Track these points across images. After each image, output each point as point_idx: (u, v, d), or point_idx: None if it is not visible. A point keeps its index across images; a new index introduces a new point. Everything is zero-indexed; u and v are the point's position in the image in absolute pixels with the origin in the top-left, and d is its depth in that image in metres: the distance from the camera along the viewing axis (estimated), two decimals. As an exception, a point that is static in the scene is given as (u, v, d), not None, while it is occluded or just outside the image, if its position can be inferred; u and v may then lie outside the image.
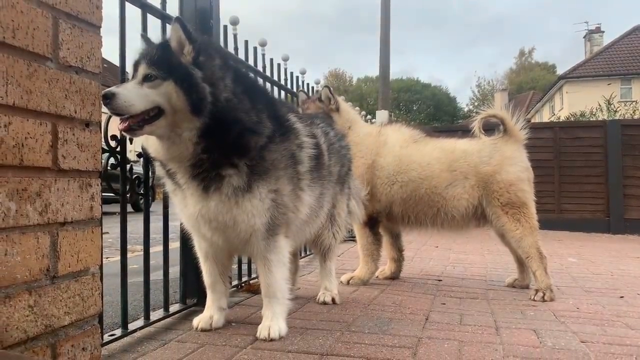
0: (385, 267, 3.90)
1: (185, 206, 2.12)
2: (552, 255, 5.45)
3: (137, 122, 1.85)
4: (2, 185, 1.10)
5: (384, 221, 3.71)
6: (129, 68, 2.05)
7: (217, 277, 2.35)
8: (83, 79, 1.33)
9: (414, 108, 67.22)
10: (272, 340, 2.14)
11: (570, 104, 27.45)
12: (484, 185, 3.45)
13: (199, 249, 2.34)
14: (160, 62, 1.89)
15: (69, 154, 1.28)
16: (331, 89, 3.82)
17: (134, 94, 1.82)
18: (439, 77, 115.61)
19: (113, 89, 1.79)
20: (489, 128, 3.67)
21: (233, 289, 3.11)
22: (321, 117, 3.28)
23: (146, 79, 1.87)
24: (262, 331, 2.17)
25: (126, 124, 1.84)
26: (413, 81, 69.11)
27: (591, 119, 16.30)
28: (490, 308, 2.93)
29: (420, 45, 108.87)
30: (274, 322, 2.20)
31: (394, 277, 3.86)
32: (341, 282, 3.58)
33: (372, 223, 3.67)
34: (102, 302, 1.96)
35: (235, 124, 1.98)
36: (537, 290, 3.25)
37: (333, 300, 2.90)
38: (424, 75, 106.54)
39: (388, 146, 3.65)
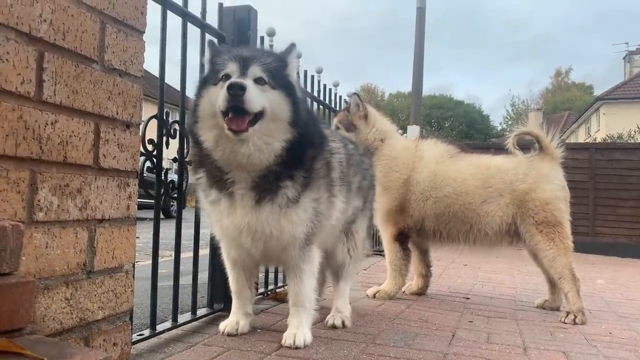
0: (412, 282, 3.85)
1: (227, 216, 2.03)
2: (584, 279, 5.29)
3: (248, 122, 1.84)
4: (46, 180, 1.15)
5: (413, 236, 3.68)
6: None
7: (244, 283, 2.34)
8: (126, 82, 1.38)
9: (446, 125, 66.75)
10: (297, 347, 2.14)
11: (607, 125, 26.83)
12: (518, 203, 3.39)
13: (227, 256, 2.32)
14: (273, 70, 1.93)
15: (109, 154, 1.32)
16: (360, 95, 3.83)
17: (257, 93, 1.83)
18: (476, 95, 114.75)
19: (244, 81, 1.78)
20: (524, 146, 3.62)
21: (259, 296, 3.12)
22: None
23: (257, 81, 1.89)
24: (287, 338, 2.17)
25: (245, 123, 1.81)
26: (446, 98, 68.73)
27: (629, 142, 15.93)
28: (519, 328, 2.88)
29: (459, 62, 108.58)
30: (299, 330, 2.20)
31: (421, 292, 3.81)
32: (367, 295, 3.57)
33: (402, 238, 3.65)
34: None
35: (306, 139, 2.01)
36: (568, 313, 3.18)
37: (343, 323, 2.58)
38: (460, 93, 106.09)
39: (424, 161, 3.63)
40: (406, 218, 3.60)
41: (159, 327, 2.22)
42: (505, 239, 3.51)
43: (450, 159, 3.65)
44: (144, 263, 4.23)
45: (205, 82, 1.99)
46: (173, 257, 2.38)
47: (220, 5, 2.71)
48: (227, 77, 1.87)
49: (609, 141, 17.45)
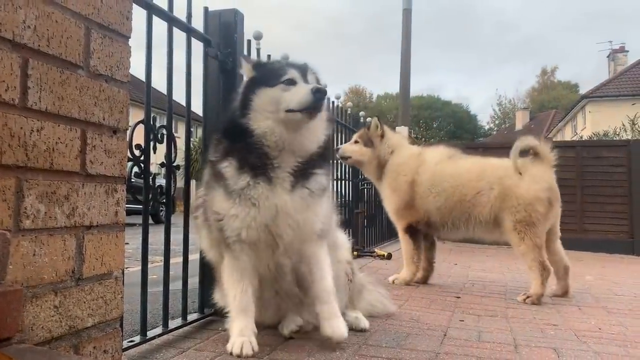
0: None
1: (267, 198, 2.11)
2: (572, 275, 5.37)
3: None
4: (33, 187, 1.14)
5: (424, 229, 4.22)
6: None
7: (251, 297, 2.24)
8: (112, 87, 1.37)
9: (434, 125, 67.02)
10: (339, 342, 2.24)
11: (593, 123, 27.11)
12: (504, 197, 3.79)
13: (235, 267, 2.22)
14: (317, 79, 2.27)
15: (96, 160, 1.32)
16: (380, 119, 4.50)
17: None
18: (465, 95, 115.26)
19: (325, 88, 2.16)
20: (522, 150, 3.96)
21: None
22: None
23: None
24: (335, 332, 2.22)
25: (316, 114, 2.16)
26: (433, 98, 68.97)
27: (615, 139, 16.10)
28: (510, 326, 2.90)
29: (449, 63, 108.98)
30: (339, 320, 2.26)
31: (420, 282, 4.31)
32: (388, 281, 4.21)
33: (412, 231, 4.20)
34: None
35: (331, 139, 2.37)
36: (528, 296, 3.65)
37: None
38: (450, 93, 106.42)
39: (426, 165, 4.15)
40: (413, 213, 4.14)
41: (150, 333, 2.21)
42: (498, 228, 3.90)
43: (449, 160, 4.16)
44: (134, 269, 4.20)
45: (257, 84, 2.21)
46: (163, 263, 2.37)
47: (206, 9, 2.70)
48: (291, 81, 2.17)
49: (595, 139, 17.63)
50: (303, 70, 2.23)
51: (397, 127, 9.04)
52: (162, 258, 2.39)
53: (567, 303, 3.75)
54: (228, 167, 2.15)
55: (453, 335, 2.61)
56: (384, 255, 5.77)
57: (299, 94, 2.11)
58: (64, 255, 1.22)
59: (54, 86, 1.18)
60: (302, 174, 2.18)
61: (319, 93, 2.09)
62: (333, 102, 5.17)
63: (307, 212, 2.19)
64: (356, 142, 4.43)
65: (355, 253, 5.84)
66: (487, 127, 65.66)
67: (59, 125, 1.20)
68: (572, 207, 8.22)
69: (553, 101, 58.28)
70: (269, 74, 2.23)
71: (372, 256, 5.91)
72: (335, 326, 2.23)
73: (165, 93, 2.40)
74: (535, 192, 3.70)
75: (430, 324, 2.84)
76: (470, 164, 4.06)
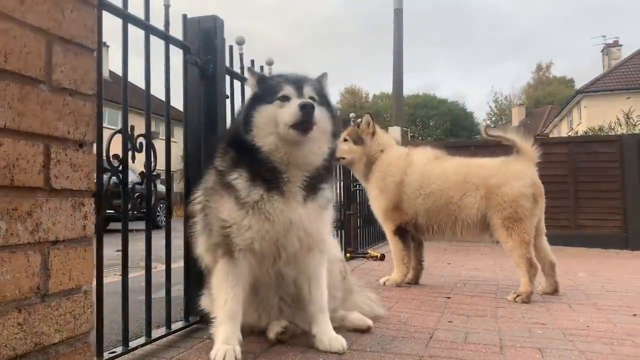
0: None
1: (281, 212, 2.15)
2: (566, 272, 5.37)
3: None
4: (-7, 205, 1.13)
5: (412, 231, 4.20)
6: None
7: (241, 304, 2.22)
8: (77, 101, 1.36)
9: (431, 124, 67.06)
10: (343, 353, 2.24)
11: (589, 118, 27.11)
12: (490, 196, 3.83)
13: (231, 272, 2.20)
14: (318, 90, 2.30)
15: (61, 174, 1.31)
16: (372, 116, 4.43)
17: (316, 111, 2.15)
18: (463, 93, 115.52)
19: (311, 101, 2.15)
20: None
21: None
22: None
23: (310, 99, 2.19)
24: (333, 346, 2.26)
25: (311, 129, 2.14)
26: (429, 97, 69.00)
27: (610, 133, 16.10)
28: (498, 326, 2.89)
29: (446, 61, 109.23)
30: (333, 332, 2.32)
31: (412, 282, 4.32)
32: (378, 283, 4.21)
33: (401, 232, 4.19)
34: (102, 320, 1.99)
35: (335, 152, 2.42)
36: (517, 294, 3.65)
37: None
38: (447, 91, 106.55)
39: (414, 165, 4.15)
40: (402, 215, 4.13)
41: (132, 344, 2.20)
42: (486, 230, 3.94)
43: (436, 161, 4.17)
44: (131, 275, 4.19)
45: (258, 99, 2.24)
46: (145, 272, 2.36)
47: (185, 16, 2.70)
48: (285, 97, 2.18)
49: (590, 134, 17.63)
50: (299, 84, 2.24)
51: (389, 127, 9.04)
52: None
53: (557, 301, 3.75)
54: (239, 179, 2.17)
55: (439, 337, 2.61)
56: (377, 257, 5.77)
57: (289, 111, 2.12)
58: (27, 272, 1.21)
59: (13, 102, 1.18)
60: (312, 188, 2.23)
61: (305, 108, 2.09)
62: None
63: (317, 223, 2.26)
64: (345, 140, 4.35)
65: (348, 255, 5.85)
66: (484, 124, 65.60)
67: (19, 141, 1.19)
68: (566, 203, 8.24)
69: (549, 97, 58.36)
70: (268, 90, 2.25)
71: (365, 257, 5.90)
72: (334, 342, 2.28)
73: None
74: (519, 189, 3.75)
75: (418, 326, 2.83)
76: (456, 165, 4.08)
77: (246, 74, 2.45)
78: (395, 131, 8.80)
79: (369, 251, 6.07)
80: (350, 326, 2.66)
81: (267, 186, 2.15)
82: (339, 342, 2.28)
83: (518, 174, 3.81)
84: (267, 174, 2.16)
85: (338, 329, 2.60)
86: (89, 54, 1.40)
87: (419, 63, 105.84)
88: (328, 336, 2.29)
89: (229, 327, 2.16)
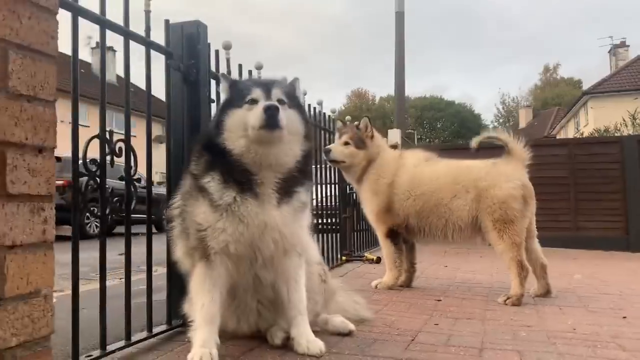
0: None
1: (256, 214, 2.16)
2: (562, 274, 5.34)
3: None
4: (-56, 210, 1.15)
5: (403, 233, 4.20)
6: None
7: (218, 308, 2.23)
8: (36, 107, 1.38)
9: (438, 126, 66.92)
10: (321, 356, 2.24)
11: (596, 119, 26.96)
12: (480, 198, 3.82)
13: (208, 276, 2.20)
14: (288, 93, 2.31)
15: (18, 180, 1.32)
16: (370, 119, 4.43)
17: (282, 113, 2.17)
18: (471, 95, 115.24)
19: (276, 103, 2.17)
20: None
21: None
22: None
23: (279, 102, 2.21)
24: (311, 349, 2.26)
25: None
26: (437, 99, 68.90)
27: (616, 134, 16.00)
28: (484, 329, 2.88)
29: (455, 63, 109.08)
30: (312, 335, 2.32)
31: (404, 285, 4.30)
32: (371, 286, 4.23)
33: (392, 235, 4.19)
34: (78, 324, 2.00)
35: (311, 155, 2.40)
36: (508, 297, 3.64)
37: None
38: (456, 93, 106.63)
39: (405, 167, 4.17)
40: (394, 217, 4.13)
41: (110, 347, 2.21)
42: (478, 233, 3.94)
43: (427, 163, 4.19)
44: (133, 279, 4.22)
45: (230, 103, 2.28)
46: (124, 277, 2.38)
47: (167, 22, 2.72)
48: (253, 101, 2.20)
49: (595, 135, 17.54)
50: (267, 87, 2.25)
51: (389, 130, 9.03)
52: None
53: (549, 303, 3.72)
54: (211, 182, 2.19)
55: (421, 340, 2.60)
56: (373, 260, 5.76)
57: (255, 114, 2.14)
58: (-19, 276, 1.22)
59: (-35, 109, 1.19)
60: (286, 191, 2.23)
61: (269, 110, 2.12)
62: (314, 108, 5.20)
63: (293, 225, 2.26)
64: (346, 143, 4.27)
65: (344, 258, 5.85)
66: (491, 126, 65.38)
67: (-28, 148, 1.21)
68: (566, 205, 8.17)
69: (556, 98, 58.09)
70: (238, 95, 2.28)
71: (361, 260, 5.90)
72: (312, 345, 2.28)
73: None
74: (508, 190, 3.74)
75: (402, 329, 2.83)
76: (446, 167, 4.08)
77: (222, 79, 2.45)
78: (396, 133, 8.79)
79: (366, 254, 6.06)
80: (333, 330, 2.66)
81: (240, 188, 2.16)
82: (317, 345, 2.28)
83: (507, 176, 3.80)
84: (239, 176, 2.17)
85: (320, 332, 2.61)
86: (48, 60, 1.42)
87: (428, 65, 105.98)
88: (306, 339, 2.30)
89: (206, 331, 2.17)
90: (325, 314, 2.72)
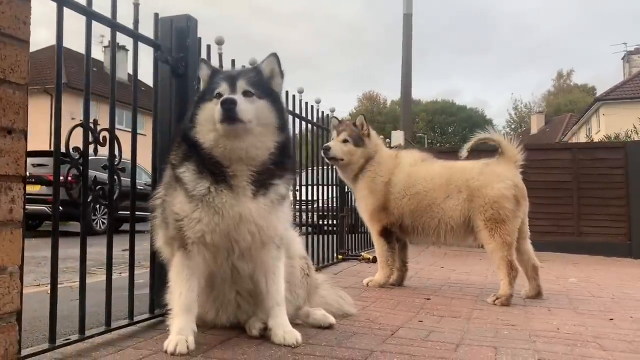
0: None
1: (231, 206, 2.17)
2: (558, 278, 5.34)
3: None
4: None
5: (397, 232, 4.23)
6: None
7: (196, 297, 2.27)
8: (5, 89, 1.42)
9: (449, 130, 66.70)
10: (292, 346, 2.26)
11: (607, 126, 26.72)
12: (472, 198, 3.84)
13: (186, 265, 2.25)
14: (257, 82, 2.26)
15: (-16, 159, 1.36)
16: (365, 117, 4.45)
17: (245, 104, 2.16)
18: (484, 100, 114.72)
19: (235, 97, 2.15)
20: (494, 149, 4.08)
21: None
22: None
23: (245, 94, 2.20)
24: (287, 339, 2.28)
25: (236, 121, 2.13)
26: (448, 103, 68.68)
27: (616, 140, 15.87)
28: (467, 326, 2.89)
29: (469, 68, 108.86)
30: (289, 326, 2.34)
31: (395, 284, 4.33)
32: (362, 284, 4.27)
33: (386, 233, 4.21)
34: (55, 308, 2.05)
35: (289, 146, 2.35)
36: (497, 297, 3.65)
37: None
38: (468, 98, 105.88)
39: (401, 166, 4.21)
40: (388, 216, 4.16)
41: (89, 332, 2.25)
42: (470, 233, 3.95)
43: (423, 163, 4.23)
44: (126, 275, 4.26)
45: (202, 97, 2.30)
46: (105, 265, 2.42)
47: (156, 15, 2.76)
48: (220, 95, 2.19)
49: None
50: (232, 80, 2.24)
51: (392, 132, 9.05)
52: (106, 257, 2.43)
53: (538, 304, 3.72)
54: (186, 172, 2.22)
55: (401, 334, 2.62)
56: (369, 259, 5.78)
57: (217, 107, 2.15)
58: (-56, 250, 1.26)
59: None
60: (262, 183, 2.23)
61: (225, 104, 2.11)
62: (308, 103, 5.19)
63: (270, 218, 2.26)
64: (345, 141, 4.26)
65: (340, 256, 5.87)
66: (503, 131, 65.05)
67: (-63, 126, 1.25)
68: (569, 209, 8.13)
69: (570, 104, 57.67)
70: (209, 88, 2.30)
71: (358, 259, 5.92)
72: (288, 335, 2.30)
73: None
74: (500, 190, 3.75)
75: (384, 324, 2.84)
76: (440, 167, 4.11)
77: (202, 70, 2.42)
78: (399, 135, 8.80)
79: (362, 254, 6.08)
80: (314, 323, 2.68)
81: (214, 179, 2.18)
82: (293, 335, 2.30)
83: (499, 176, 3.81)
84: (212, 168, 2.19)
85: (302, 325, 2.64)
86: (19, 44, 1.46)
87: (441, 70, 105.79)
88: (283, 329, 2.32)
89: (183, 319, 2.22)
90: (307, 307, 2.74)
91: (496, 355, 2.27)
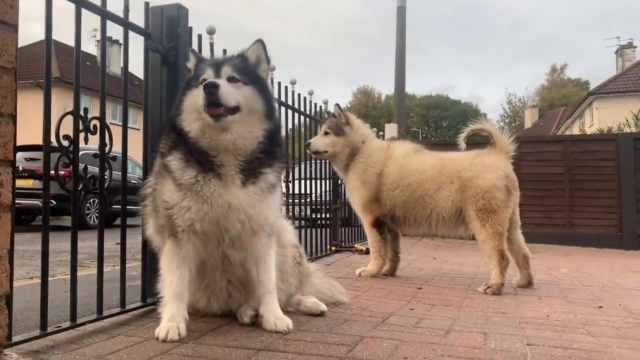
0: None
1: (219, 195, 2.16)
2: (549, 268, 5.38)
3: (224, 112, 2.11)
4: None
5: (389, 223, 4.25)
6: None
7: (187, 285, 2.28)
8: (-7, 73, 1.42)
9: (444, 125, 66.78)
10: (288, 332, 2.27)
11: (600, 120, 26.84)
12: (464, 189, 3.86)
13: (176, 254, 2.25)
14: (243, 68, 2.23)
15: (-28, 142, 1.36)
16: (340, 106, 4.43)
17: (230, 90, 2.13)
18: (479, 94, 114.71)
19: (218, 81, 2.10)
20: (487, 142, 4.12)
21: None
22: None
23: (230, 80, 2.18)
24: (279, 325, 2.29)
25: (221, 109, 2.10)
26: (443, 98, 68.76)
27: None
28: (458, 314, 2.91)
29: (464, 62, 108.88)
30: (280, 313, 2.35)
31: (388, 274, 4.35)
32: (355, 274, 4.28)
33: (378, 224, 4.24)
34: (47, 296, 2.05)
35: (279, 134, 2.34)
36: (488, 286, 3.68)
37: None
38: (464, 92, 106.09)
39: (393, 157, 4.22)
40: (381, 207, 4.18)
41: (81, 320, 2.26)
42: (461, 224, 3.98)
43: (415, 154, 4.23)
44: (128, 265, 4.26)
45: (188, 84, 2.28)
46: (97, 253, 2.42)
47: (147, 4, 2.75)
48: (204, 81, 2.14)
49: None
50: (217, 66, 2.21)
51: (386, 125, 9.05)
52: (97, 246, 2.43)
53: (529, 294, 3.75)
54: (174, 161, 2.22)
55: (391, 322, 2.63)
56: (362, 251, 5.80)
57: (200, 92, 2.11)
58: None
59: None
60: (252, 172, 2.22)
61: (207, 88, 2.07)
62: (301, 95, 5.22)
63: (260, 206, 2.25)
64: (326, 133, 4.34)
65: (333, 248, 5.88)
66: (497, 125, 65.20)
67: None
68: (561, 201, 8.17)
69: (563, 99, 57.84)
70: (195, 74, 2.27)
71: (351, 251, 5.94)
72: (279, 322, 2.31)
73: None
74: (491, 180, 3.77)
75: (375, 312, 2.86)
76: (433, 159, 4.12)
77: (190, 58, 2.40)
78: (392, 128, 8.81)
79: (356, 245, 6.10)
80: (306, 310, 2.69)
81: (201, 168, 2.17)
82: (284, 322, 2.31)
83: (491, 166, 3.83)
84: (199, 157, 2.18)
85: (293, 313, 2.66)
86: (7, 28, 1.46)
87: (436, 64, 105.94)
88: (274, 316, 2.33)
89: (174, 306, 2.23)
90: (299, 295, 2.76)
91: (485, 340, 2.29)
